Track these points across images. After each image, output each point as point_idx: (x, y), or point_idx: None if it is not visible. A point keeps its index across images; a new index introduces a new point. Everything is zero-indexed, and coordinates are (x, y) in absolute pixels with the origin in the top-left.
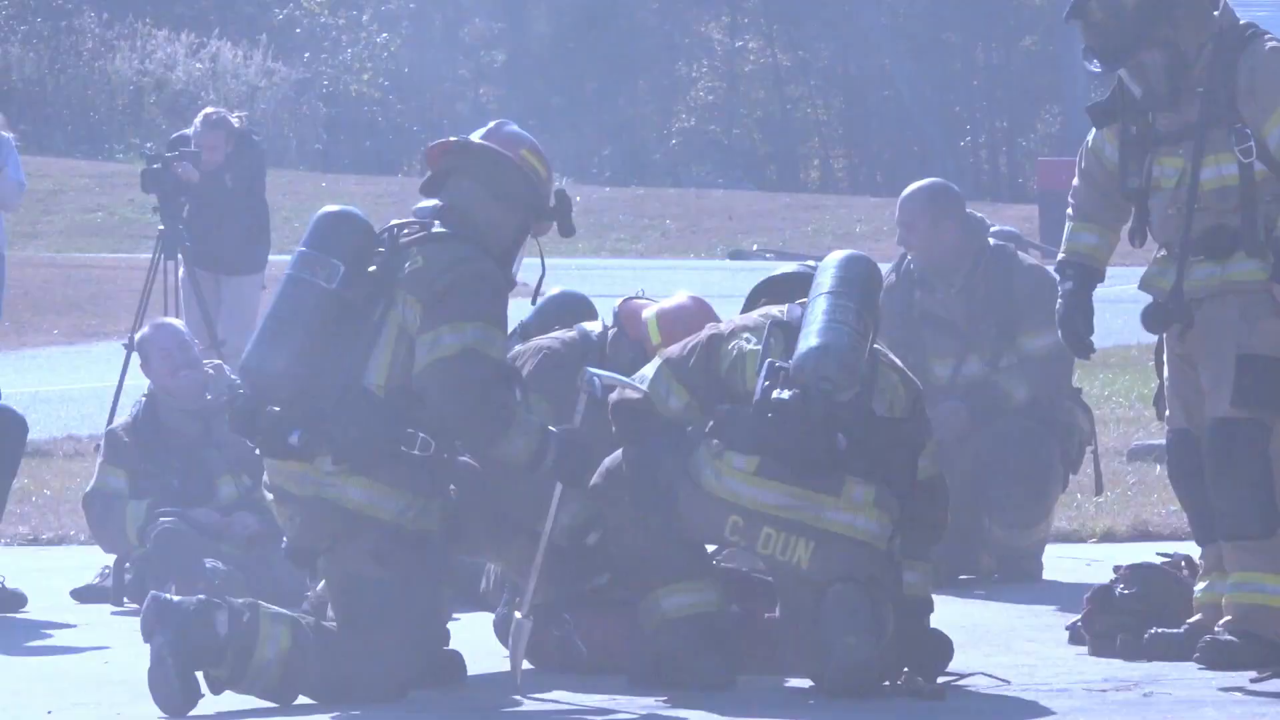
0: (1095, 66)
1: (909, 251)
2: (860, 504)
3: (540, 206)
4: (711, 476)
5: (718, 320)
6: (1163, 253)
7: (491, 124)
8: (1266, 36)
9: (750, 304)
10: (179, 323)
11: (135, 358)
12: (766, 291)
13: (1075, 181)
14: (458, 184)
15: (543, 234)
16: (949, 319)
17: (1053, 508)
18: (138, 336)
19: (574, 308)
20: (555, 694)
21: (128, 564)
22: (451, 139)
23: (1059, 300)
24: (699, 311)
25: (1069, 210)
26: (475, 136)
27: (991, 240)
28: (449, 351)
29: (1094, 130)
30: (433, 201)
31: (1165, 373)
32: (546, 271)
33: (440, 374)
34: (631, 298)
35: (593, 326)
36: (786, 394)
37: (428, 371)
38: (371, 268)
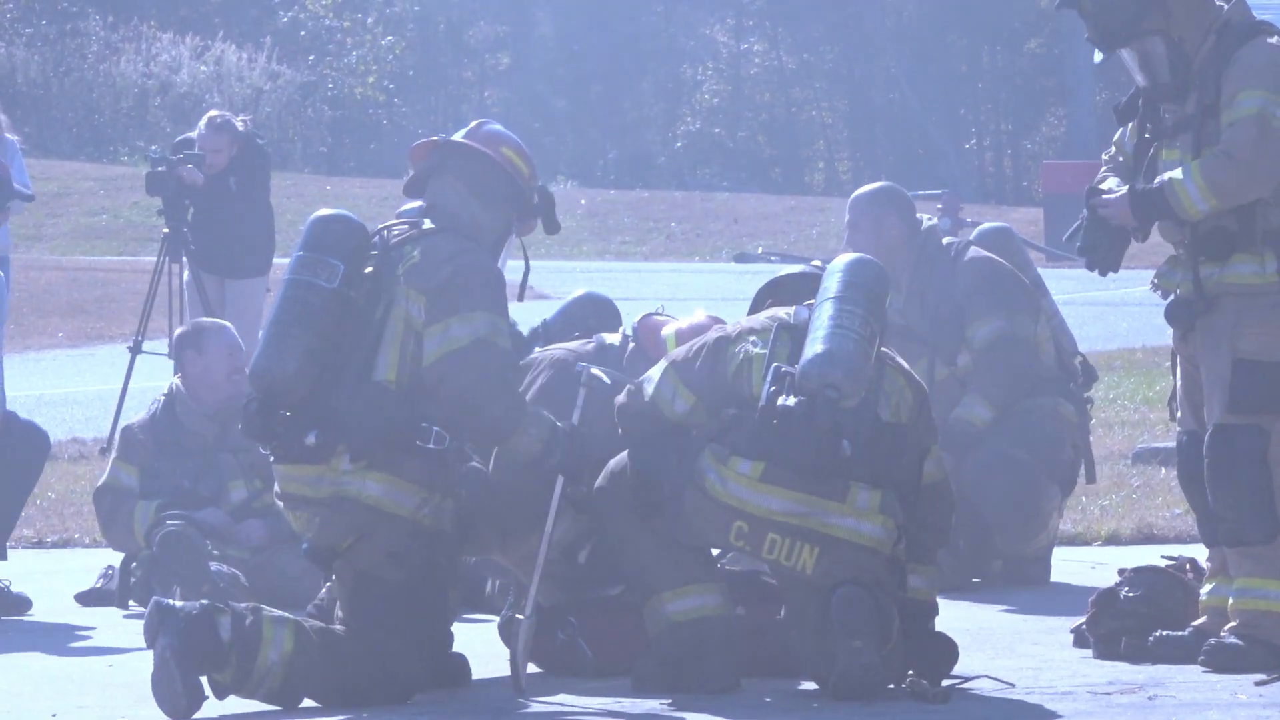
0: (1096, 55)
1: (856, 251)
2: (865, 509)
3: (523, 204)
4: (716, 481)
5: None
6: (1173, 253)
7: (473, 123)
8: (1274, 36)
9: (757, 305)
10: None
11: (140, 360)
12: (773, 293)
13: (1104, 170)
14: (440, 183)
15: (527, 233)
16: (907, 325)
17: (1050, 518)
18: (178, 333)
19: (598, 311)
20: (560, 697)
21: (134, 564)
22: (433, 138)
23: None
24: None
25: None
26: (457, 136)
27: (947, 240)
28: (461, 343)
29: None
30: (417, 203)
31: (1178, 374)
32: (532, 270)
33: (455, 365)
34: (651, 314)
35: (612, 338)
36: (792, 401)
37: (441, 363)
38: (368, 269)
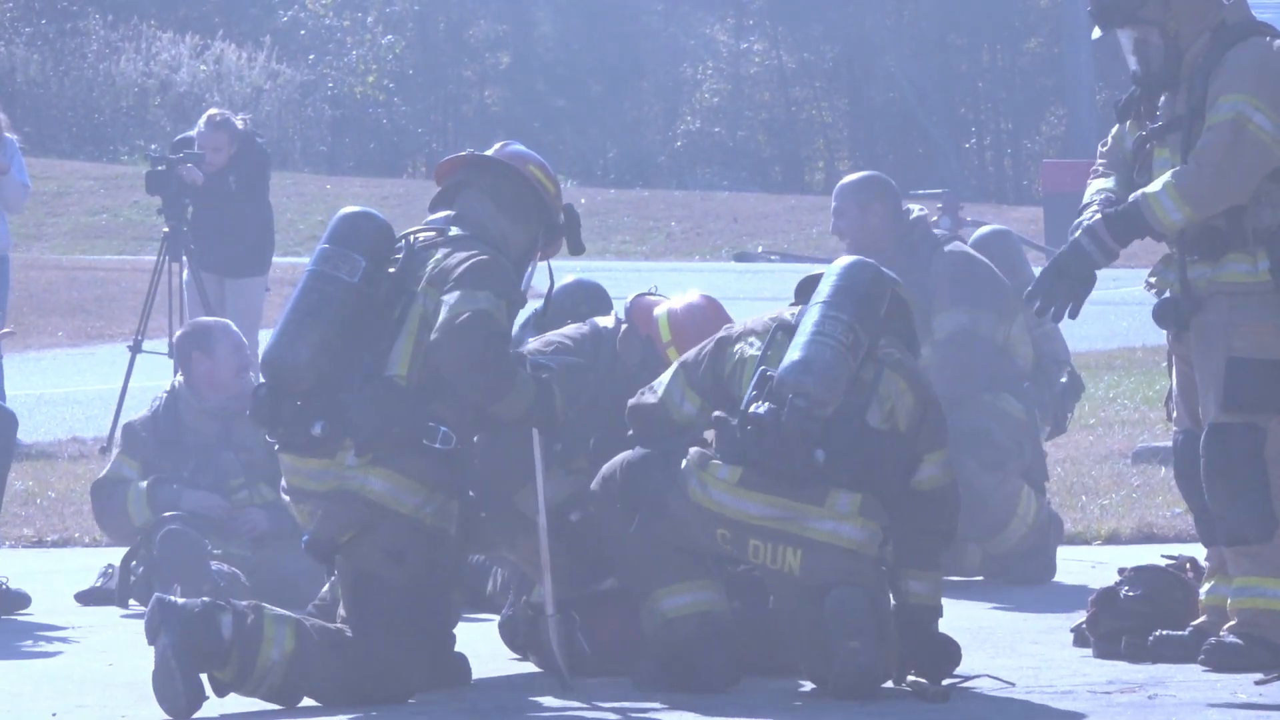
0: (1095, 31)
1: (841, 239)
2: (845, 513)
3: (550, 221)
4: (697, 487)
5: (728, 318)
6: (1167, 252)
7: (498, 144)
8: (1269, 36)
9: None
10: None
11: (140, 359)
12: (802, 290)
13: (1098, 165)
14: (468, 197)
15: (552, 255)
16: None
17: (1012, 504)
18: (179, 333)
19: (587, 296)
20: (561, 696)
21: (135, 563)
22: (461, 154)
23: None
24: (710, 310)
25: (1088, 181)
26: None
27: (939, 232)
28: (460, 310)
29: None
30: (445, 213)
31: (1173, 374)
32: (555, 279)
33: (450, 330)
34: (644, 294)
35: (605, 321)
36: (763, 408)
37: (439, 327)
38: (391, 269)
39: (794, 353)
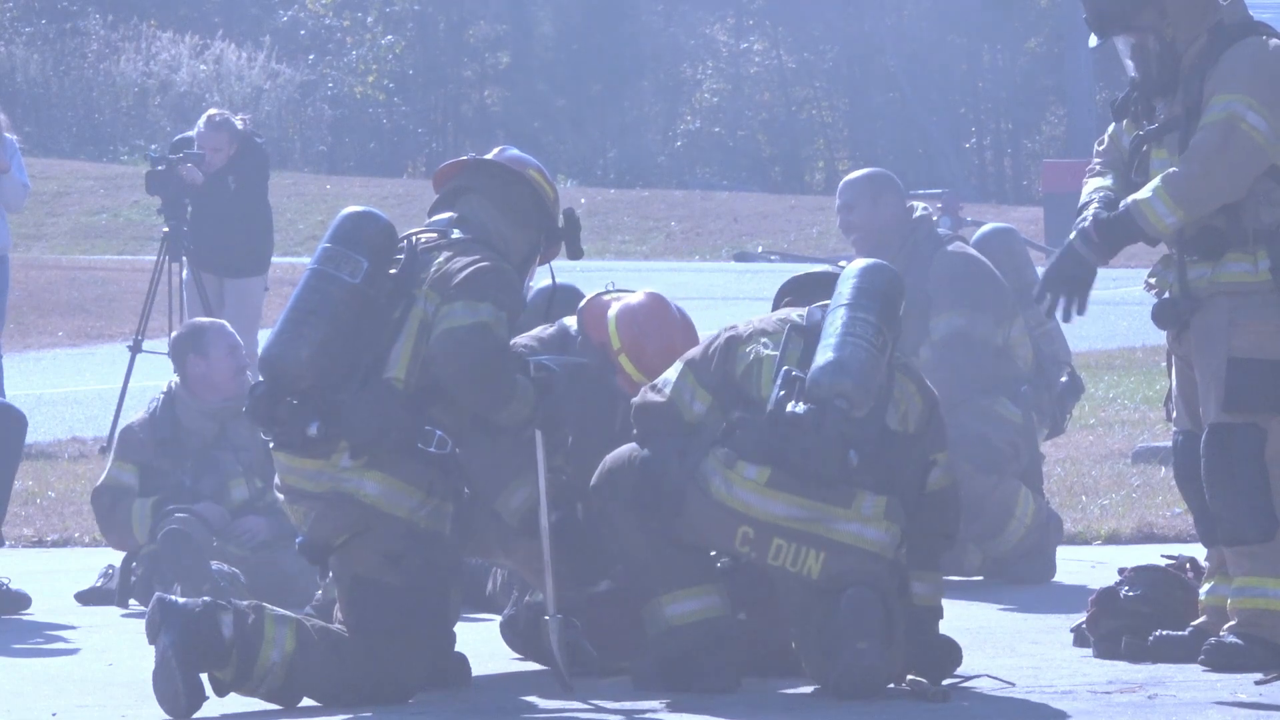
0: (1092, 39)
1: (849, 234)
2: (870, 515)
3: (550, 226)
4: (721, 486)
5: (678, 314)
6: (1166, 252)
7: (495, 150)
8: (1266, 35)
9: (777, 304)
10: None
11: (140, 359)
12: (793, 292)
13: (1095, 164)
14: (469, 201)
15: (551, 258)
16: None
17: (1010, 506)
18: (175, 334)
19: (563, 298)
20: (561, 697)
21: (135, 563)
22: (461, 159)
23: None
24: (657, 309)
25: (1084, 180)
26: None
27: (943, 232)
28: (462, 322)
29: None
30: (448, 215)
31: (1173, 374)
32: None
33: (451, 343)
34: (600, 294)
35: (573, 321)
36: (801, 408)
37: (439, 339)
38: (392, 270)
39: (826, 353)
